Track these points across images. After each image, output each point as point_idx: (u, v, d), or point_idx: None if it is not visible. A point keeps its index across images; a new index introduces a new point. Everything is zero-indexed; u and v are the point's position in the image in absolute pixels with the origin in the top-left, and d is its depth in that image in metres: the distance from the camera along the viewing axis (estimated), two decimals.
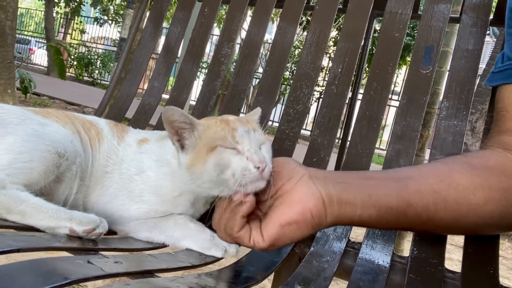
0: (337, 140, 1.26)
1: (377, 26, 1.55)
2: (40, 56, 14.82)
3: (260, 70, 8.15)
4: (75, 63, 12.43)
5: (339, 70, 1.10)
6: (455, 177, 0.71)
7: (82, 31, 15.58)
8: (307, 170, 0.72)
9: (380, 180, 0.74)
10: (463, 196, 0.70)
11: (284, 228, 0.67)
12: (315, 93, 9.05)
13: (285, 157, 0.78)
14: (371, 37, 1.40)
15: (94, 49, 14.29)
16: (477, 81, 0.99)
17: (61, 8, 14.45)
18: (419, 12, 1.12)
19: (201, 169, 0.70)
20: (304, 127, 6.39)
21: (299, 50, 8.68)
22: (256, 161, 0.68)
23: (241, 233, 0.70)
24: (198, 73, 1.57)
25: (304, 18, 7.14)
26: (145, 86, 1.41)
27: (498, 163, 0.72)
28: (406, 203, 0.70)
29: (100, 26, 14.54)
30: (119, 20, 13.67)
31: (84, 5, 14.01)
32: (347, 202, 0.69)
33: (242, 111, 1.24)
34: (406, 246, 2.42)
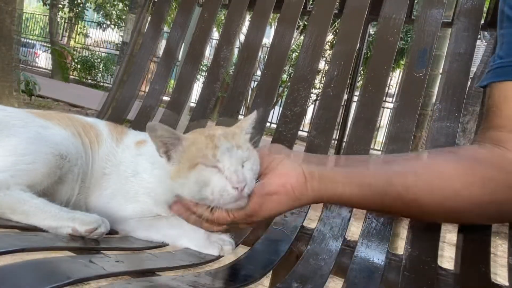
0: (333, 141, 1.28)
1: (371, 30, 1.56)
2: (44, 60, 14.87)
3: (259, 73, 8.14)
4: (78, 66, 12.47)
5: (335, 73, 1.12)
6: (438, 163, 0.74)
7: (85, 35, 15.63)
8: (292, 152, 0.76)
9: (363, 162, 0.77)
10: (446, 179, 0.72)
11: (264, 197, 0.70)
12: (312, 95, 9.05)
13: (273, 143, 0.81)
14: (366, 41, 1.42)
15: (97, 53, 14.33)
16: (469, 83, 1.00)
17: (65, 13, 14.51)
18: (413, 17, 1.14)
19: (182, 183, 0.72)
20: (301, 128, 6.39)
21: (296, 53, 8.69)
22: (234, 181, 0.68)
23: (213, 215, 0.72)
24: (198, 76, 1.58)
25: (301, 22, 7.15)
26: (146, 89, 1.43)
27: (486, 156, 0.74)
28: (388, 182, 0.72)
29: (103, 30, 14.61)
30: (121, 24, 13.72)
31: (87, 10, 14.07)
32: (328, 178, 0.72)
33: (241, 113, 1.26)
34: (401, 245, 2.41)
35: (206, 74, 1.34)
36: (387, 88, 1.11)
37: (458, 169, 0.73)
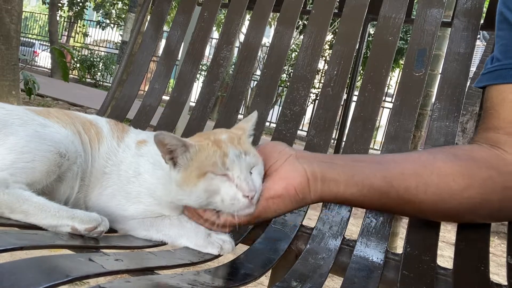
0: (332, 141, 1.28)
1: (371, 30, 1.57)
2: (44, 59, 14.89)
3: (258, 72, 8.16)
4: (78, 65, 12.48)
5: (335, 72, 1.12)
6: (438, 164, 0.75)
7: (85, 34, 15.64)
8: (295, 151, 0.76)
9: (365, 162, 0.78)
10: (444, 181, 0.73)
11: (268, 201, 0.71)
12: (311, 94, 9.08)
13: (275, 141, 0.81)
14: (365, 40, 1.42)
15: (96, 52, 14.37)
16: (468, 83, 1.01)
17: (64, 12, 14.51)
18: (412, 17, 1.13)
19: (190, 190, 0.72)
20: (300, 128, 6.43)
21: (296, 53, 8.70)
22: (246, 190, 0.69)
23: (221, 220, 0.73)
24: (198, 75, 1.59)
25: (300, 22, 7.16)
26: (146, 88, 1.43)
27: (483, 157, 0.75)
28: (388, 183, 0.73)
29: (103, 29, 14.63)
30: (121, 23, 13.76)
31: (87, 9, 14.09)
32: (331, 179, 0.73)
33: (240, 112, 1.26)
34: (399, 244, 2.43)
35: (206, 73, 1.35)
36: (386, 87, 1.11)
37: (456, 170, 0.74)
